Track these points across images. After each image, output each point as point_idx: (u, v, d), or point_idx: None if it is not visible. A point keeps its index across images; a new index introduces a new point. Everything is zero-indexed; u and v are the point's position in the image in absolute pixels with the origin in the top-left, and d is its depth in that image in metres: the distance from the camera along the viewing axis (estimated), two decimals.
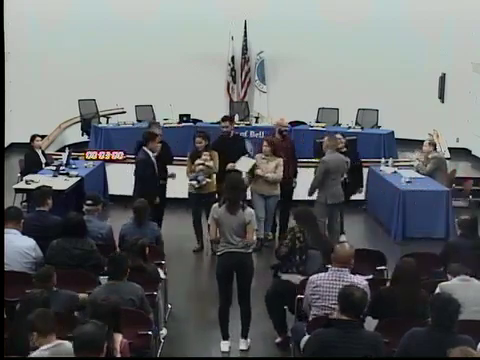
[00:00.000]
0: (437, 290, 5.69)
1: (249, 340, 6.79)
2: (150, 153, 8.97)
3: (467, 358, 4.14)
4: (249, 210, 6.66)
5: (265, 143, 9.44)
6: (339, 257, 5.70)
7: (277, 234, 9.83)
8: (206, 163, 9.18)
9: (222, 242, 6.62)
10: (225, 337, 6.74)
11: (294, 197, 9.86)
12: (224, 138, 9.92)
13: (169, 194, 9.66)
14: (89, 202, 7.37)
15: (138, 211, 7.44)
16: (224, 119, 10.19)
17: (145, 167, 8.90)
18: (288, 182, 9.61)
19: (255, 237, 6.83)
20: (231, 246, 6.55)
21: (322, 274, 5.74)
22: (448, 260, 6.34)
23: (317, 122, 15.03)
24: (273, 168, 9.25)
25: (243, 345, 6.75)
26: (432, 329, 4.75)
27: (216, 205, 6.73)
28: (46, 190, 7.51)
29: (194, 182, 9.20)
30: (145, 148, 9.00)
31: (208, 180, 9.22)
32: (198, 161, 9.21)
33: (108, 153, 11.92)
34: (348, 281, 5.51)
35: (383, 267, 7.06)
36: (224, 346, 6.71)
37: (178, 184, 9.66)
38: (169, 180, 9.55)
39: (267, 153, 9.32)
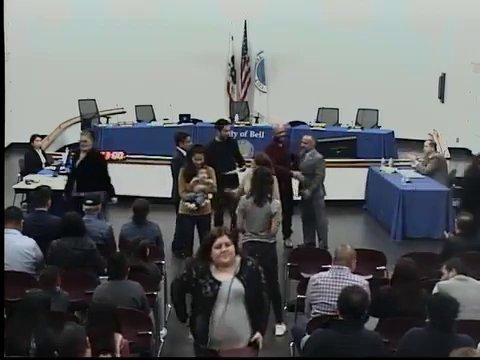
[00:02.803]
0: (435, 289, 5.68)
1: (284, 325, 6.83)
2: (184, 152, 8.97)
3: (468, 358, 4.14)
4: (275, 201, 6.89)
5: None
6: (339, 256, 5.73)
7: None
8: (206, 180, 8.04)
9: (247, 232, 6.88)
10: None
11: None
12: (218, 142, 9.52)
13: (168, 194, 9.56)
14: (88, 202, 7.38)
15: (138, 211, 7.44)
16: (228, 123, 10.00)
17: (179, 167, 8.88)
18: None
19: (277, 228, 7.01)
20: (255, 236, 6.82)
21: (323, 273, 5.77)
22: (448, 259, 6.34)
23: (317, 122, 15.02)
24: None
25: (279, 331, 6.81)
26: (432, 329, 4.75)
27: (244, 197, 7.00)
28: (45, 190, 7.52)
29: (192, 205, 7.99)
30: (178, 148, 9.03)
31: (207, 201, 8.08)
32: (195, 179, 8.03)
33: (108, 153, 11.89)
34: (348, 279, 5.54)
35: (383, 267, 7.07)
36: None
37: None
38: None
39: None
